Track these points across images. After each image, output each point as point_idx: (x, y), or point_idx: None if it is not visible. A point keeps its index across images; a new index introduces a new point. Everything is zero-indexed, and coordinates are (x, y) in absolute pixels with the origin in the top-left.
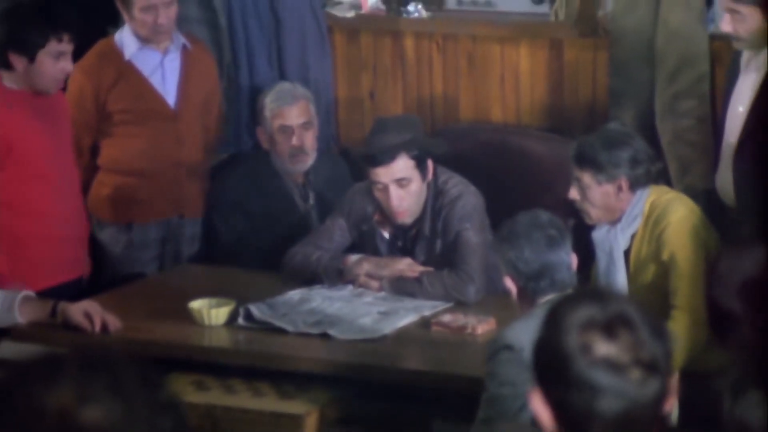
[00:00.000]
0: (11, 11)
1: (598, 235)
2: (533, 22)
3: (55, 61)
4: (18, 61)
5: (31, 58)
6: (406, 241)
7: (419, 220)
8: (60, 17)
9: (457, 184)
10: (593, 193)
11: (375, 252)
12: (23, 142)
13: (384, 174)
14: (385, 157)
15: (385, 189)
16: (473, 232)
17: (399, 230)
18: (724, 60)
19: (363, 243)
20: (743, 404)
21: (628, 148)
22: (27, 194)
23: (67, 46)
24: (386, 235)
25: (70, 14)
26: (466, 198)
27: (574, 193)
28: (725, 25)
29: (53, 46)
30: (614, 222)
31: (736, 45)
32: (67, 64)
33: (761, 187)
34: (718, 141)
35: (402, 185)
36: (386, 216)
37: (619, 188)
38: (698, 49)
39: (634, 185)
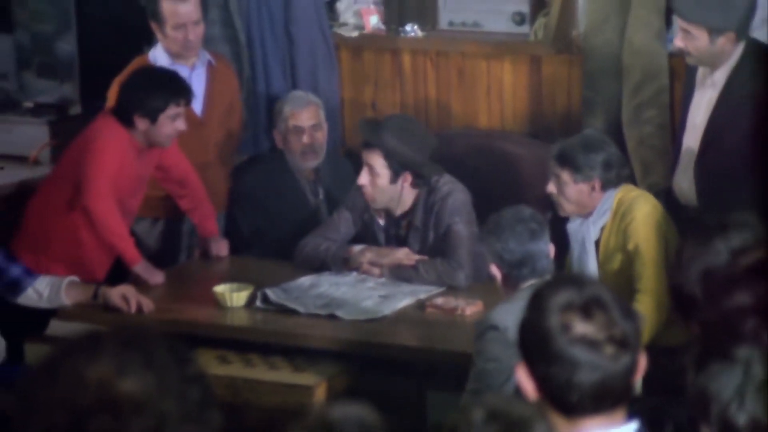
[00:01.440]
0: (139, 80)
1: (573, 227)
2: (515, 41)
3: (172, 122)
4: (141, 122)
5: (153, 120)
6: (399, 230)
7: (411, 213)
8: (178, 85)
9: (447, 183)
10: (569, 189)
11: (374, 239)
12: (121, 179)
13: (364, 154)
14: (366, 143)
15: (363, 167)
16: (462, 226)
17: (391, 219)
18: (681, 74)
19: (365, 231)
20: (704, 375)
21: (603, 154)
22: None
23: (182, 109)
24: (381, 222)
25: (185, 82)
26: (456, 195)
27: (551, 187)
28: (678, 41)
29: (172, 109)
30: (586, 215)
31: (688, 60)
32: (180, 123)
33: (720, 188)
34: (677, 146)
35: (370, 172)
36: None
37: (593, 188)
38: (659, 65)
39: (605, 186)
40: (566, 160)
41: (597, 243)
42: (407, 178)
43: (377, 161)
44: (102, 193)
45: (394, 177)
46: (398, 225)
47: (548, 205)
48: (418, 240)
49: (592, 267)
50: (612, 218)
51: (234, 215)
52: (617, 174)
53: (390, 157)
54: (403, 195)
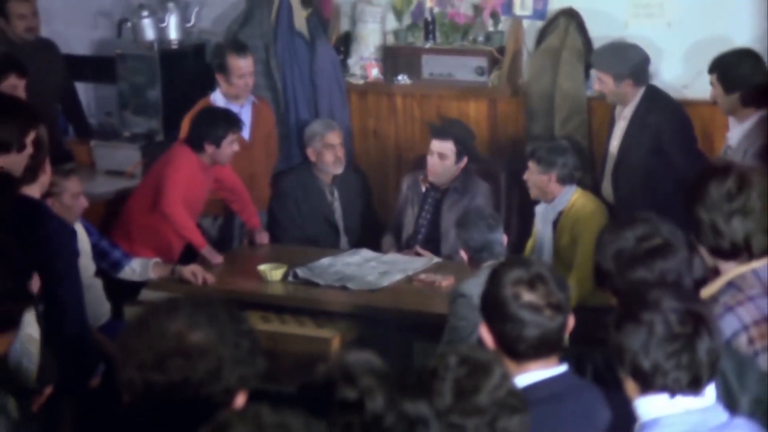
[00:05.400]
0: (206, 118)
1: (539, 209)
2: (478, 87)
3: (230, 145)
4: (209, 147)
5: (218, 145)
6: (436, 194)
7: (449, 183)
8: (233, 119)
9: (476, 171)
10: (534, 177)
11: (416, 199)
12: (190, 189)
13: (436, 145)
14: (443, 135)
15: (432, 154)
16: (481, 197)
17: (431, 187)
18: (596, 111)
19: (413, 198)
20: (620, 333)
21: (562, 157)
22: None
23: (237, 136)
24: (423, 189)
25: (238, 117)
26: (482, 182)
27: (526, 175)
28: (596, 85)
29: (230, 136)
30: (549, 201)
31: (608, 99)
32: (235, 146)
33: (628, 192)
34: (603, 162)
35: (441, 158)
36: (426, 177)
37: (550, 179)
38: (581, 104)
39: (560, 180)
40: (534, 155)
41: (555, 223)
42: (464, 160)
43: (448, 147)
44: (173, 200)
45: (458, 159)
46: (437, 190)
47: (506, 202)
48: (450, 202)
49: (548, 237)
50: (568, 209)
51: (273, 210)
52: (570, 174)
53: (459, 143)
54: (455, 174)
